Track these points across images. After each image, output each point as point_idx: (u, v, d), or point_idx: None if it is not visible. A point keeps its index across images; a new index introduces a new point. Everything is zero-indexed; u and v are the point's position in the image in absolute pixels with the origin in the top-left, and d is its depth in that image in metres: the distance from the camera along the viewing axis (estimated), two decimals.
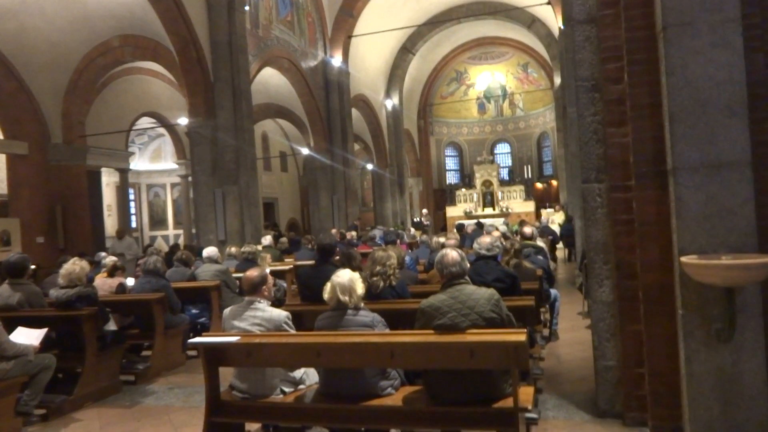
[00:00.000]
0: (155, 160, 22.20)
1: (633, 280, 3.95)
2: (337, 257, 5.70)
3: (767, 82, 3.64)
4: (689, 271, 3.30)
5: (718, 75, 3.42)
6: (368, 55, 21.61)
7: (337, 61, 18.96)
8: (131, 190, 20.71)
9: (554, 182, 27.56)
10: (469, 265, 3.82)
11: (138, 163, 21.34)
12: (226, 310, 4.09)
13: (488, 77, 30.55)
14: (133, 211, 21.48)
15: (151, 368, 6.27)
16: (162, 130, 19.59)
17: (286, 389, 3.93)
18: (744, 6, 3.46)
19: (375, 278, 4.70)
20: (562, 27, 13.21)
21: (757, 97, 3.56)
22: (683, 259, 3.35)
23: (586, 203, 4.34)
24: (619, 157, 4.05)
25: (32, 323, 5.12)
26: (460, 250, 3.75)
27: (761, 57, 3.65)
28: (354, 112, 20.69)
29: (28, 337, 4.90)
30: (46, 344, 5.03)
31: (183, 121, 12.90)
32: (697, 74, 3.45)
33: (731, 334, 3.32)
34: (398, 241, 9.33)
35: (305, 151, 19.03)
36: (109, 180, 19.04)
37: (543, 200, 27.57)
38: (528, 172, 29.77)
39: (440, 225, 26.61)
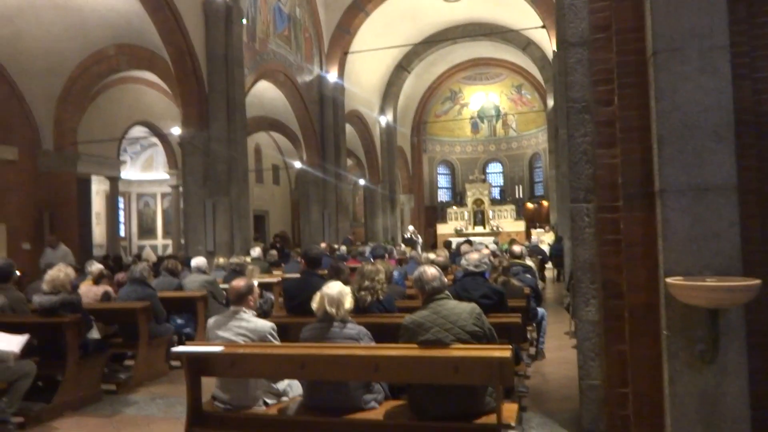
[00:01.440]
0: (147, 170, 22.15)
1: (619, 300, 3.96)
2: (326, 270, 5.68)
3: (754, 109, 3.70)
4: (674, 292, 3.32)
5: (706, 100, 3.47)
6: (364, 71, 21.77)
7: (332, 76, 19.08)
8: (121, 199, 20.60)
9: (545, 203, 27.72)
10: (456, 281, 3.83)
11: (129, 172, 21.27)
12: (211, 320, 4.06)
13: (482, 97, 30.84)
14: (122, 219, 21.35)
15: (134, 378, 6.19)
16: (154, 140, 19.59)
17: (269, 401, 3.90)
18: (732, 34, 3.52)
19: (363, 292, 4.71)
20: (555, 50, 13.39)
21: (744, 123, 3.61)
22: (669, 280, 3.37)
23: (574, 223, 4.37)
24: (608, 178, 4.09)
25: (14, 329, 5.04)
26: (437, 267, 3.78)
27: (748, 84, 3.71)
28: (348, 127, 20.79)
29: (8, 343, 4.82)
30: (27, 351, 4.95)
31: (176, 131, 12.93)
32: (686, 99, 3.50)
33: (715, 356, 3.33)
34: (387, 256, 9.32)
35: (298, 164, 19.07)
36: (99, 188, 18.98)
37: (533, 220, 27.70)
38: (519, 192, 29.95)
39: (431, 242, 26.63)
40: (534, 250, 14.05)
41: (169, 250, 20.09)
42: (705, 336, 3.34)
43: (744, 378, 3.35)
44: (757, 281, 3.13)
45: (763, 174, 3.69)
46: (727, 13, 3.44)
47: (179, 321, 7.36)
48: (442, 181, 31.89)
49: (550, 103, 19.53)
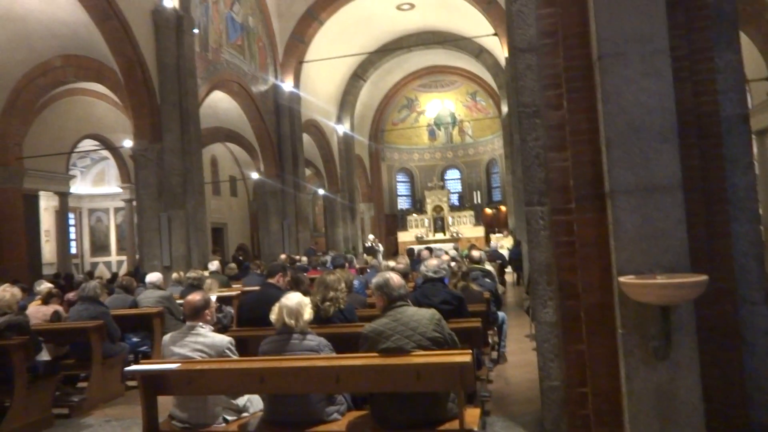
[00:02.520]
0: (98, 184, 21.53)
1: (575, 301, 4.03)
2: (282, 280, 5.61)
3: (695, 110, 3.84)
4: (627, 290, 3.39)
5: (649, 102, 3.58)
6: (319, 80, 21.73)
7: (288, 86, 18.97)
8: (71, 215, 19.95)
9: (503, 208, 28.15)
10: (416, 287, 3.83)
11: (79, 187, 20.63)
12: (166, 336, 3.95)
13: (438, 105, 31.18)
14: (73, 236, 20.66)
15: (87, 400, 5.96)
16: (106, 153, 19.06)
17: (229, 417, 3.80)
18: (672, 38, 3.65)
19: (327, 303, 4.65)
20: (507, 57, 13.65)
21: (686, 124, 3.74)
22: (621, 279, 3.45)
23: (529, 226, 4.43)
24: (560, 181, 4.16)
25: None
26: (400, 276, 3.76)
27: (689, 86, 3.85)
28: (305, 137, 20.68)
29: None
30: None
31: (128, 143, 12.61)
32: (631, 102, 3.60)
33: (668, 352, 3.41)
34: (347, 264, 9.28)
35: (255, 175, 18.83)
36: (47, 204, 18.33)
37: (492, 225, 28.10)
38: (477, 197, 30.35)
39: (392, 250, 26.68)
40: (493, 255, 14.21)
41: (124, 267, 19.53)
42: (658, 332, 3.42)
43: (696, 372, 3.44)
44: (705, 277, 3.23)
45: (706, 172, 3.83)
46: (667, 18, 3.56)
47: (135, 339, 7.15)
48: (402, 188, 32.04)
49: (504, 109, 19.91)
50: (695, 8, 3.89)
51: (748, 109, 4.20)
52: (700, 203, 3.77)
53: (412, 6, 21.15)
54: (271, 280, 5.58)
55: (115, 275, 12.47)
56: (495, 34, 18.20)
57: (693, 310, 3.47)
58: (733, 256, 3.84)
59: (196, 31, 13.32)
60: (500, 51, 18.66)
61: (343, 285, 4.85)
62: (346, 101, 24.83)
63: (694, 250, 3.53)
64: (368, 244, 23.19)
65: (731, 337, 3.78)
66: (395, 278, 3.60)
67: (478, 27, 19.24)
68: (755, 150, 11.60)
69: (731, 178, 3.91)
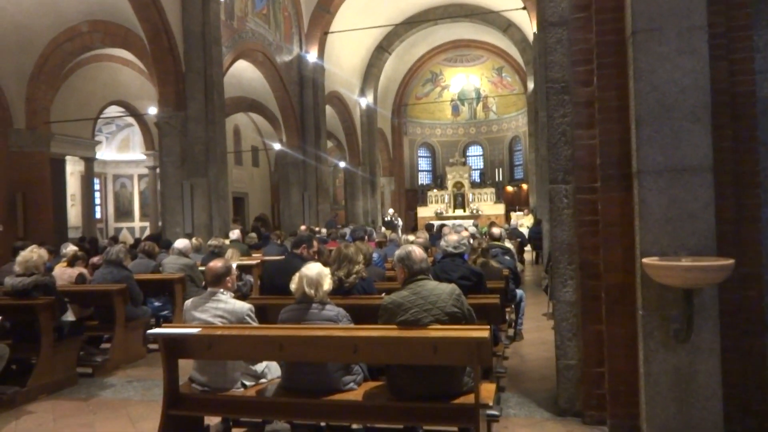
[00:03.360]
0: (123, 150, 21.77)
1: (596, 281, 4.00)
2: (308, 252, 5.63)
3: (730, 90, 3.73)
4: (650, 272, 3.35)
5: (683, 81, 3.49)
6: (344, 52, 21.54)
7: (312, 57, 18.84)
8: (97, 180, 20.26)
9: (524, 186, 27.89)
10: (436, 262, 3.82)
11: (105, 153, 20.90)
12: (188, 302, 4.01)
13: (463, 79, 30.74)
14: (98, 201, 21.02)
15: (110, 361, 6.12)
16: (131, 120, 19.23)
17: (247, 383, 3.87)
18: (710, 14, 3.53)
19: (353, 276, 4.62)
20: (536, 32, 13.37)
21: (720, 104, 3.64)
22: (645, 260, 3.41)
23: (552, 204, 4.38)
24: (587, 159, 4.10)
25: None
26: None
27: (725, 65, 3.73)
28: (328, 109, 20.60)
29: None
30: None
31: (152, 111, 12.69)
32: (664, 79, 3.51)
33: (689, 335, 3.38)
34: (366, 237, 9.30)
35: (277, 146, 18.87)
36: (73, 169, 18.63)
37: (513, 203, 27.88)
38: (499, 175, 30.06)
39: (411, 225, 26.68)
40: (513, 233, 14.13)
41: (147, 233, 19.83)
42: (679, 315, 3.39)
43: (717, 356, 3.41)
44: (731, 261, 3.18)
45: (738, 155, 3.73)
46: None
47: (156, 303, 7.28)
48: (423, 163, 31.87)
49: (530, 86, 19.57)
50: None
51: None
52: (730, 186, 3.69)
53: None
54: (296, 251, 5.60)
55: (138, 240, 12.65)
56: (524, 8, 17.81)
57: (716, 294, 3.42)
58: (761, 242, 3.76)
59: None
60: (528, 26, 18.26)
61: (361, 257, 4.85)
62: (370, 74, 24.61)
63: (721, 234, 3.47)
64: (388, 218, 23.20)
65: (754, 323, 3.72)
66: (417, 251, 3.59)
67: (507, 0, 18.83)
68: None
69: (764, 162, 3.80)
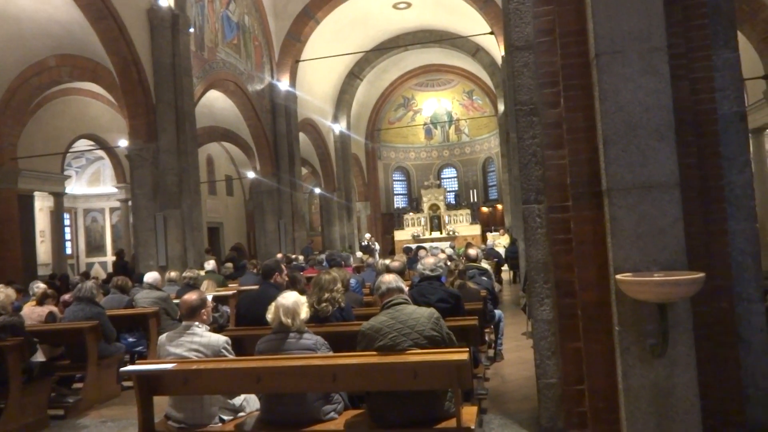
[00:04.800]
0: (93, 184, 21.44)
1: (572, 298, 4.03)
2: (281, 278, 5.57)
3: (692, 108, 3.84)
4: (624, 288, 3.39)
5: (647, 100, 3.58)
6: (316, 79, 21.69)
7: (284, 85, 18.93)
8: (67, 215, 19.87)
9: (499, 206, 28.17)
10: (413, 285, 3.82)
11: (75, 187, 20.56)
12: (162, 336, 3.93)
13: (434, 103, 31.18)
14: (68, 237, 20.58)
15: (83, 401, 5.93)
16: (101, 153, 18.98)
17: (226, 417, 3.79)
18: (669, 36, 3.65)
19: (324, 304, 4.62)
20: (504, 56, 13.65)
21: (684, 122, 3.74)
22: (618, 276, 3.44)
23: (526, 224, 4.43)
24: (557, 179, 4.16)
25: None
26: (395, 274, 3.78)
27: (687, 84, 3.84)
28: (301, 136, 20.65)
29: None
30: None
31: (123, 143, 12.54)
32: (628, 100, 3.60)
33: (665, 349, 3.41)
34: (343, 263, 9.26)
35: (251, 174, 18.79)
36: (42, 204, 18.24)
37: (488, 224, 28.13)
38: (474, 196, 30.37)
39: (389, 249, 26.67)
40: (490, 253, 14.23)
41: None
42: (655, 330, 3.42)
43: (693, 369, 3.44)
44: (701, 274, 3.23)
45: (703, 171, 3.83)
46: (664, 15, 3.56)
47: (130, 339, 7.11)
48: (398, 187, 32.06)
49: (501, 107, 19.89)
50: (692, 6, 3.89)
51: (745, 108, 4.20)
52: (698, 201, 3.77)
53: (409, 5, 21.14)
54: (270, 280, 5.54)
55: (110, 275, 12.40)
56: (491, 33, 18.20)
57: (690, 307, 3.47)
58: (730, 254, 3.85)
59: (191, 30, 13.27)
60: (497, 49, 18.66)
61: (339, 285, 4.82)
62: (343, 100, 24.80)
63: (691, 248, 3.53)
64: (365, 242, 23.17)
65: (728, 334, 3.78)
66: (385, 277, 3.69)
67: (475, 25, 19.23)
68: (751, 148, 11.62)
69: (728, 176, 3.91)
